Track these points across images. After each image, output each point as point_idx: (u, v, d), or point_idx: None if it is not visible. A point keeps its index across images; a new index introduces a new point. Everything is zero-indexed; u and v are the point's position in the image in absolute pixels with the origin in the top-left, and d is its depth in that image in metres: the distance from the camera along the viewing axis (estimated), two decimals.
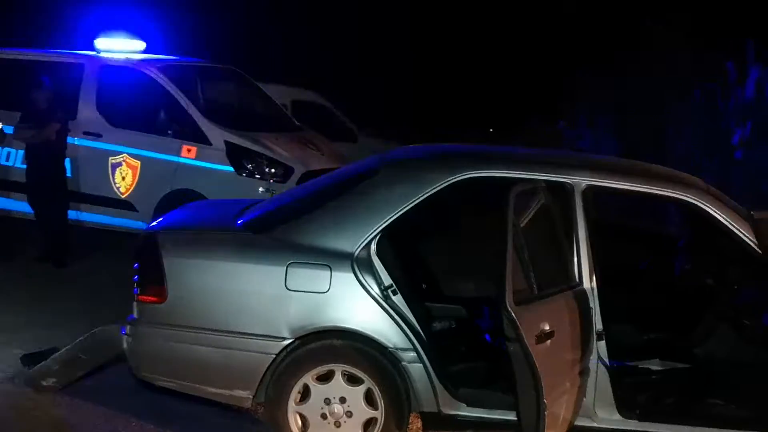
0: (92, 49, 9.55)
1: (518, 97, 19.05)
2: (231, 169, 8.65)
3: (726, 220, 4.50)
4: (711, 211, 4.51)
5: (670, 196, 4.64)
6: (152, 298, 4.62)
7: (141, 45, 9.77)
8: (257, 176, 8.65)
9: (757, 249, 4.45)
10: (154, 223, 5.38)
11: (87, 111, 9.06)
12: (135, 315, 4.75)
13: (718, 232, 4.57)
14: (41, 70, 9.00)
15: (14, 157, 9.16)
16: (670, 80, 10.93)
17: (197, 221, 5.27)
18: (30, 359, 5.57)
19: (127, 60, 9.35)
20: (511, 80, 19.94)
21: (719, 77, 10.35)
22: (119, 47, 9.55)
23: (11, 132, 8.55)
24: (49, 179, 8.45)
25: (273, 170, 8.70)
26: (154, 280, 4.59)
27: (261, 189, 8.45)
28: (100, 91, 9.12)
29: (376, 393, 4.47)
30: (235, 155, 8.69)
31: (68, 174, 8.68)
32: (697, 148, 9.79)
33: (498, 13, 20.73)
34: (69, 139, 8.63)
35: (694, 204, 4.55)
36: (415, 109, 19.30)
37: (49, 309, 6.87)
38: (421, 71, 20.65)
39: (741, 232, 4.47)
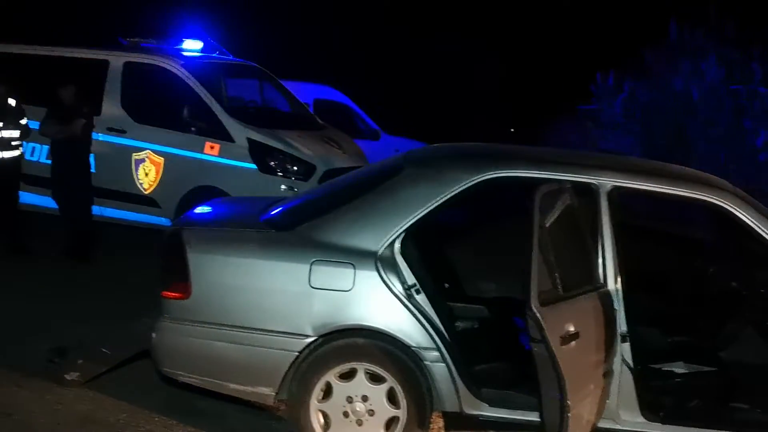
0: (115, 45, 9.60)
1: (541, 96, 19.02)
2: (254, 166, 8.66)
3: (754, 222, 4.45)
4: (739, 214, 4.46)
5: (697, 198, 4.58)
6: (176, 294, 4.62)
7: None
8: (280, 174, 8.66)
9: None
10: (179, 219, 5.39)
11: (111, 107, 9.12)
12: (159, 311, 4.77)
13: (745, 235, 4.52)
14: (67, 66, 9.06)
15: (39, 153, 9.22)
16: (695, 81, 10.86)
17: (222, 218, 5.28)
18: (54, 354, 5.61)
19: (151, 57, 9.39)
20: (535, 79, 19.91)
21: (744, 78, 10.27)
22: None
23: (36, 128, 8.62)
24: (73, 175, 8.51)
25: (295, 168, 8.71)
26: (179, 277, 4.60)
27: (283, 186, 8.47)
28: (125, 87, 9.17)
29: (398, 392, 4.46)
30: (258, 153, 8.70)
31: (92, 170, 8.74)
32: (722, 149, 9.72)
33: (521, 12, 20.70)
34: (93, 135, 8.68)
35: (722, 206, 4.50)
36: (438, 108, 19.30)
37: (72, 304, 6.91)
38: (445, 71, 20.65)
39: None
